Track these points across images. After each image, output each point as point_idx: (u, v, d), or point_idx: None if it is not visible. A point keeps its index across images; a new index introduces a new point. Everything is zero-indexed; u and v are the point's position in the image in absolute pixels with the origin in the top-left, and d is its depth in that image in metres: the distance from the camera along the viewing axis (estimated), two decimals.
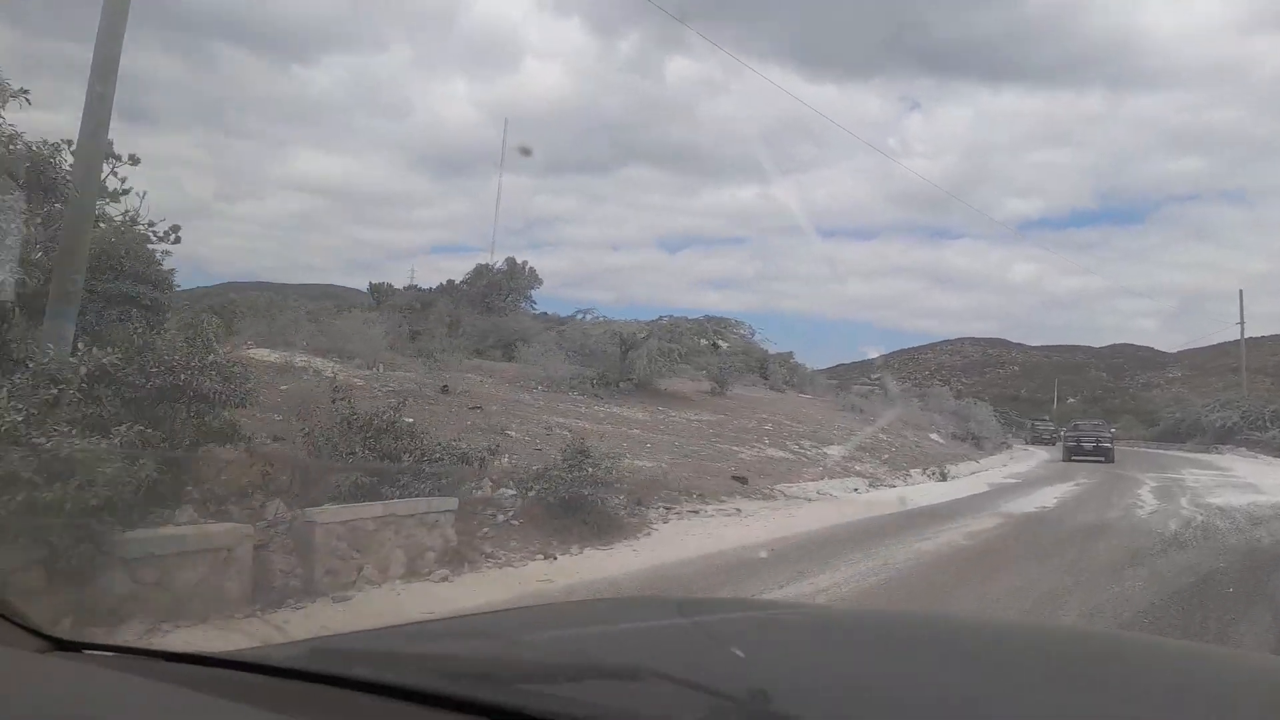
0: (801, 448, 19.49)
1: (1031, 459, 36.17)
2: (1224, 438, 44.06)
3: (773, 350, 39.34)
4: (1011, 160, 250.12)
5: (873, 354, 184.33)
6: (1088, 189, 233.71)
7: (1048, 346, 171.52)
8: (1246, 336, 49.73)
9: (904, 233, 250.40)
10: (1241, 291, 47.09)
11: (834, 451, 19.30)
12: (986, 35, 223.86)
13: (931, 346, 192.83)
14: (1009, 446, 39.14)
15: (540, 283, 38.62)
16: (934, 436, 30.00)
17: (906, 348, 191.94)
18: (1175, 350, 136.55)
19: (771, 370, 38.26)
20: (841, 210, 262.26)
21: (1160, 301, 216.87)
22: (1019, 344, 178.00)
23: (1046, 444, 48.16)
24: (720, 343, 25.64)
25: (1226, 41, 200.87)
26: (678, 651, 1.68)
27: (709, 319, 25.85)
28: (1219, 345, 77.40)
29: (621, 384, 21.93)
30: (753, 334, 29.21)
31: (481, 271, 37.64)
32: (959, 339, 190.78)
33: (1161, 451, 46.32)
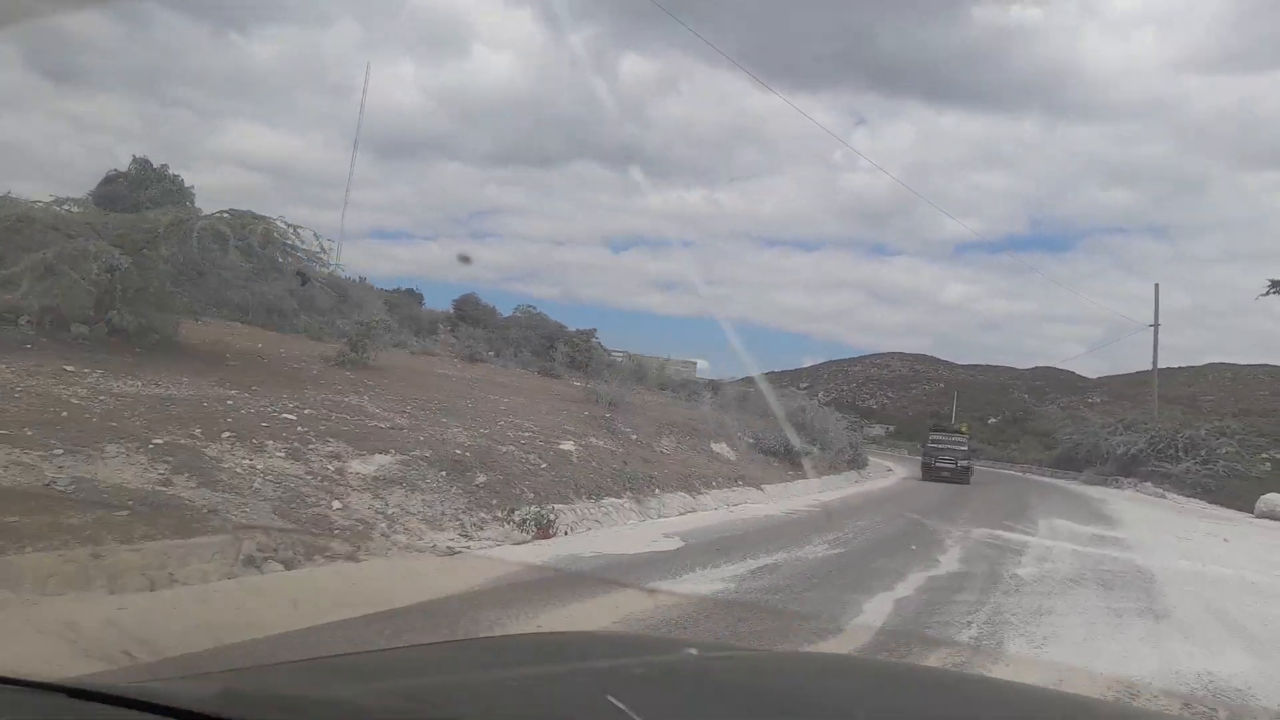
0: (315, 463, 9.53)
1: (866, 483, 26.65)
2: (1128, 468, 35.09)
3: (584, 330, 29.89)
4: (950, 180, 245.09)
5: (806, 363, 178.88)
6: (1021, 214, 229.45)
7: (974, 366, 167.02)
8: (1161, 367, 41.05)
9: (846, 246, 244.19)
10: (1157, 286, 38.25)
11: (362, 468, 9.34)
12: (933, 55, 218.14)
13: (860, 360, 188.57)
14: (861, 465, 29.57)
15: None
16: (721, 448, 20.23)
17: (837, 359, 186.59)
18: (1096, 377, 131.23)
19: (558, 349, 28.46)
20: (787, 220, 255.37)
21: (1085, 328, 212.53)
22: (946, 361, 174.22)
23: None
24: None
25: (1159, 79, 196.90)
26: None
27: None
28: (1138, 374, 71.31)
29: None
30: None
31: None
32: (888, 354, 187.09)
33: (1049, 480, 37.20)
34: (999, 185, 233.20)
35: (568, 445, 14.05)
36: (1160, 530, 17.42)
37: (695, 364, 79.98)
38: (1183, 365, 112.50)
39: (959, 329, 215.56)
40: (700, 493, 15.47)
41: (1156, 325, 38.46)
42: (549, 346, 29.12)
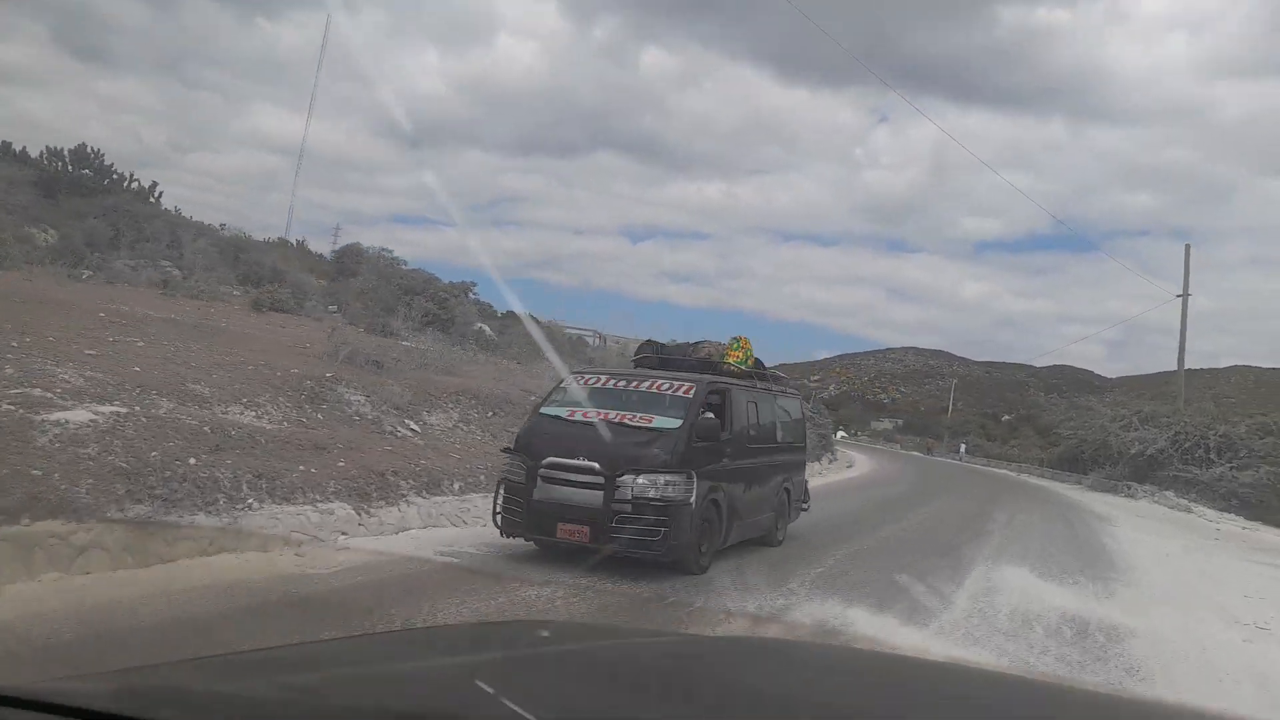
0: None
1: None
2: (1144, 471, 27.64)
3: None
4: (973, 179, 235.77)
5: (819, 356, 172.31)
6: (1044, 214, 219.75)
7: (990, 363, 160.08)
8: (1186, 368, 33.36)
9: (864, 242, 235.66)
10: (1188, 248, 29.74)
11: None
12: (959, 54, 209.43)
13: (874, 353, 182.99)
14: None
15: None
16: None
17: (850, 353, 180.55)
18: (1115, 376, 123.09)
19: (415, 305, 21.68)
20: (805, 215, 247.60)
21: (1104, 329, 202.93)
22: (961, 358, 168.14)
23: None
24: None
25: (1187, 84, 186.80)
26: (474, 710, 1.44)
27: None
28: (1159, 374, 63.69)
29: None
30: None
31: None
32: (902, 348, 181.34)
33: (1043, 484, 29.81)
34: (1023, 185, 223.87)
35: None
36: (1197, 598, 9.40)
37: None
38: (1205, 367, 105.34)
39: (975, 327, 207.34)
40: (393, 502, 8.57)
41: (1186, 295, 30.81)
42: (404, 301, 22.27)
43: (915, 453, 57.36)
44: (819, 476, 24.15)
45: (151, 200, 31.15)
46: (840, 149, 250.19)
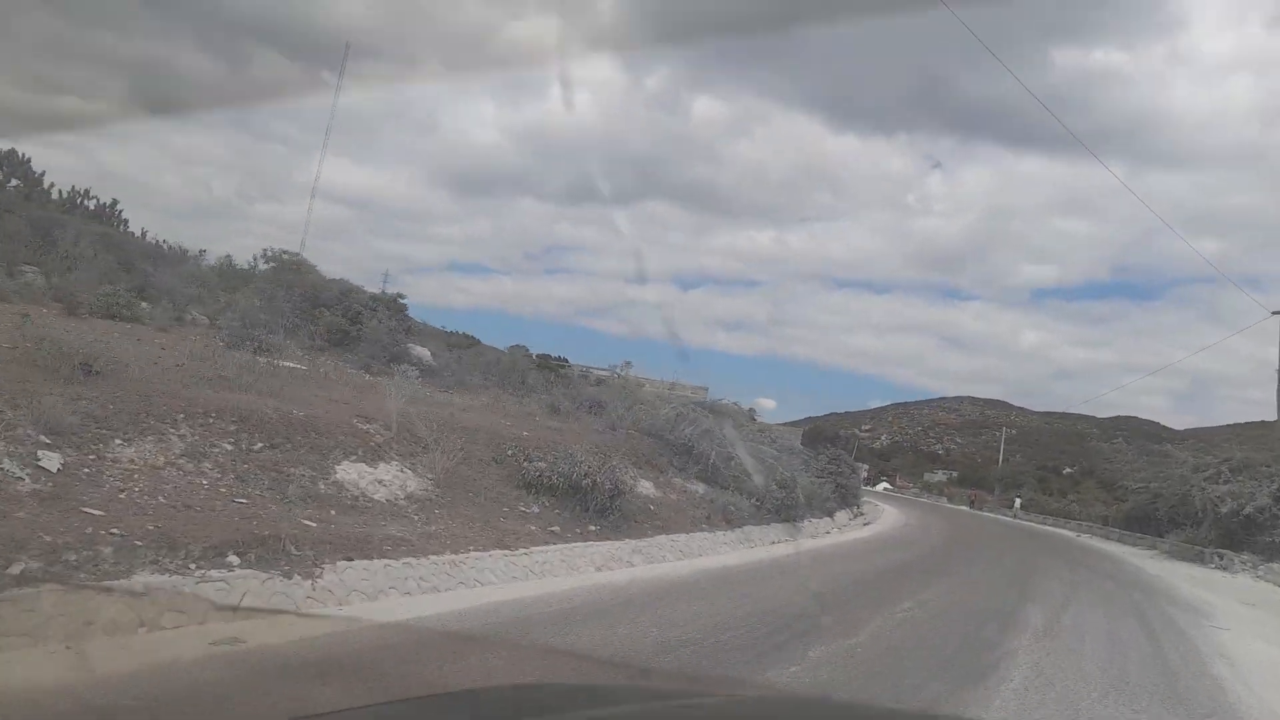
0: None
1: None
2: (1236, 536, 21.62)
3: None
4: (1029, 226, 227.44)
5: (872, 405, 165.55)
6: (1103, 262, 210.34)
7: (1049, 414, 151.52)
8: (1254, 420, 27.23)
9: (918, 290, 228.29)
10: None
11: None
12: (1012, 99, 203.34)
13: (929, 402, 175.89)
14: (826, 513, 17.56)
15: None
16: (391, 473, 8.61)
17: (904, 401, 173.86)
18: (1183, 428, 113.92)
19: (322, 317, 17.44)
20: (857, 262, 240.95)
21: (1169, 380, 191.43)
22: (1019, 407, 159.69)
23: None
24: None
25: (1248, 128, 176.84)
26: None
27: None
28: (1232, 425, 56.49)
29: None
30: None
31: None
32: (958, 397, 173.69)
33: (1107, 548, 23.90)
34: (1081, 231, 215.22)
35: None
36: None
37: (705, 390, 66.88)
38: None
39: (1033, 376, 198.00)
40: None
41: None
42: (310, 315, 17.91)
43: (963, 506, 51.10)
44: (823, 537, 18.99)
45: (114, 225, 27.77)
46: (892, 196, 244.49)
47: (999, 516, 45.09)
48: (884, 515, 29.09)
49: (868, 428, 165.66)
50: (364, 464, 9.85)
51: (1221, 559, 20.57)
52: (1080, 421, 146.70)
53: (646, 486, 14.73)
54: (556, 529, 10.93)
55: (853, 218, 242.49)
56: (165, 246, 23.58)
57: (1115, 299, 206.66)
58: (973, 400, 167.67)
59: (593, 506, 11.79)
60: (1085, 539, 30.19)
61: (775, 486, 18.14)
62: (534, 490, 11.75)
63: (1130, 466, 31.24)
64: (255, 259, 21.54)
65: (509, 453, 12.59)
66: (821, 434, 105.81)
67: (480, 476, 11.47)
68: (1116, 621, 9.49)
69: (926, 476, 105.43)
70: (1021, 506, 46.65)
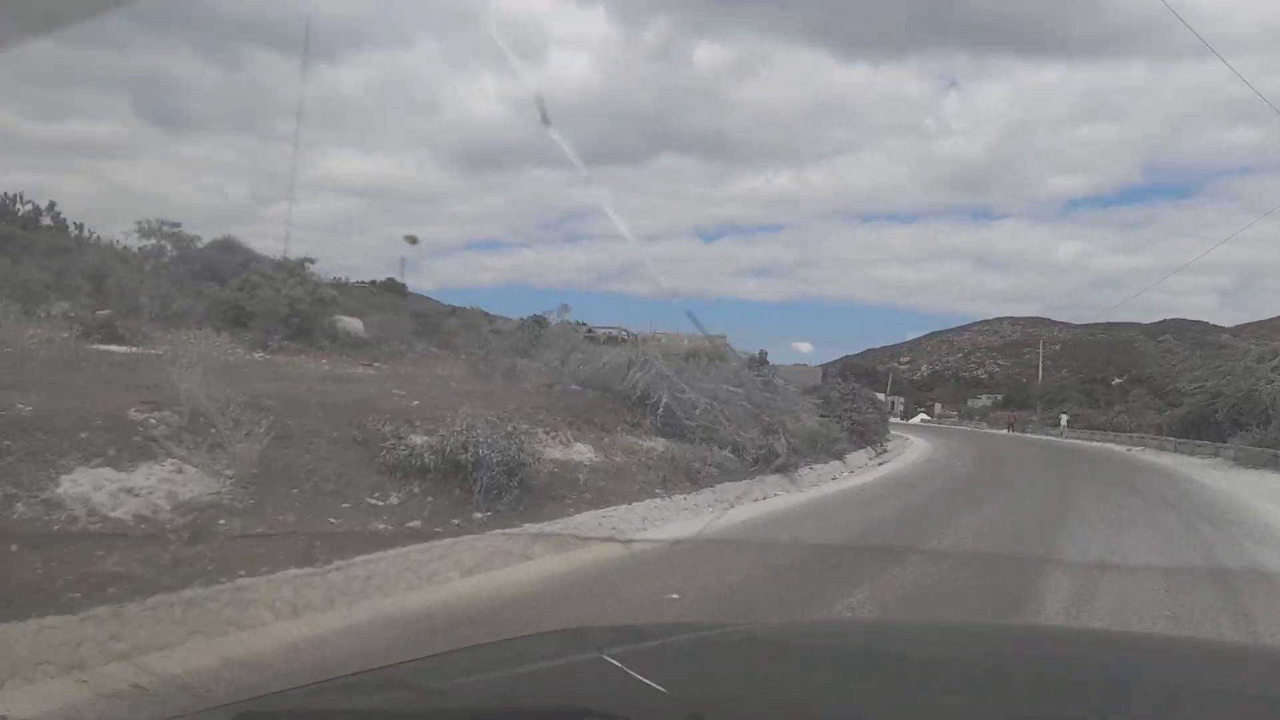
0: None
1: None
2: None
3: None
4: (1054, 137, 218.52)
5: (910, 336, 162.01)
6: (1135, 164, 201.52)
7: (1092, 325, 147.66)
8: None
9: (945, 215, 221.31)
10: None
11: None
12: (1022, 6, 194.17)
13: (967, 328, 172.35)
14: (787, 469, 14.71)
15: None
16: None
17: (942, 329, 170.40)
18: (1233, 325, 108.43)
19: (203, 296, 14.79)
20: (879, 194, 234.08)
21: (1214, 278, 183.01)
22: (1061, 322, 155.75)
23: None
24: None
25: (1274, 4, 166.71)
26: (604, 689, 1.40)
27: None
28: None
29: None
30: None
31: None
32: (997, 319, 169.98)
33: (1161, 462, 20.51)
34: (1108, 136, 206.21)
35: None
36: None
37: (724, 338, 64.37)
38: None
39: (1073, 289, 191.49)
40: None
41: None
42: (194, 291, 15.30)
43: (1003, 430, 47.64)
44: (825, 484, 16.12)
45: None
46: (910, 121, 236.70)
47: (1042, 437, 41.60)
48: (909, 450, 26.12)
49: (906, 360, 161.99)
50: (112, 468, 7.13)
51: None
52: (1126, 330, 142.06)
53: (580, 451, 11.95)
54: (418, 523, 8.19)
55: (871, 149, 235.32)
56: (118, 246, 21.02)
57: (1151, 201, 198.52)
58: (1012, 320, 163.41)
59: (481, 487, 9.00)
60: (1137, 453, 26.72)
61: (760, 434, 15.34)
62: (402, 474, 8.99)
63: (1183, 366, 27.39)
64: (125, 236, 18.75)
65: (386, 429, 9.83)
66: (853, 370, 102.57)
67: (321, 464, 8.69)
68: (1184, 595, 6.23)
69: (970, 403, 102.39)
70: (1068, 424, 42.94)
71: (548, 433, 11.96)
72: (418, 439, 9.56)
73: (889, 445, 27.70)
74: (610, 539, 9.42)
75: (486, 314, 25.11)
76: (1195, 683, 1.54)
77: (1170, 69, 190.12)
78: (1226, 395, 22.18)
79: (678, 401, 13.81)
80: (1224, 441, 22.24)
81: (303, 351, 15.52)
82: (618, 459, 12.34)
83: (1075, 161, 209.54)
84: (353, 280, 38.41)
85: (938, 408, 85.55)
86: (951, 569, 6.87)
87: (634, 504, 10.96)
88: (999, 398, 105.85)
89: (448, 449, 9.05)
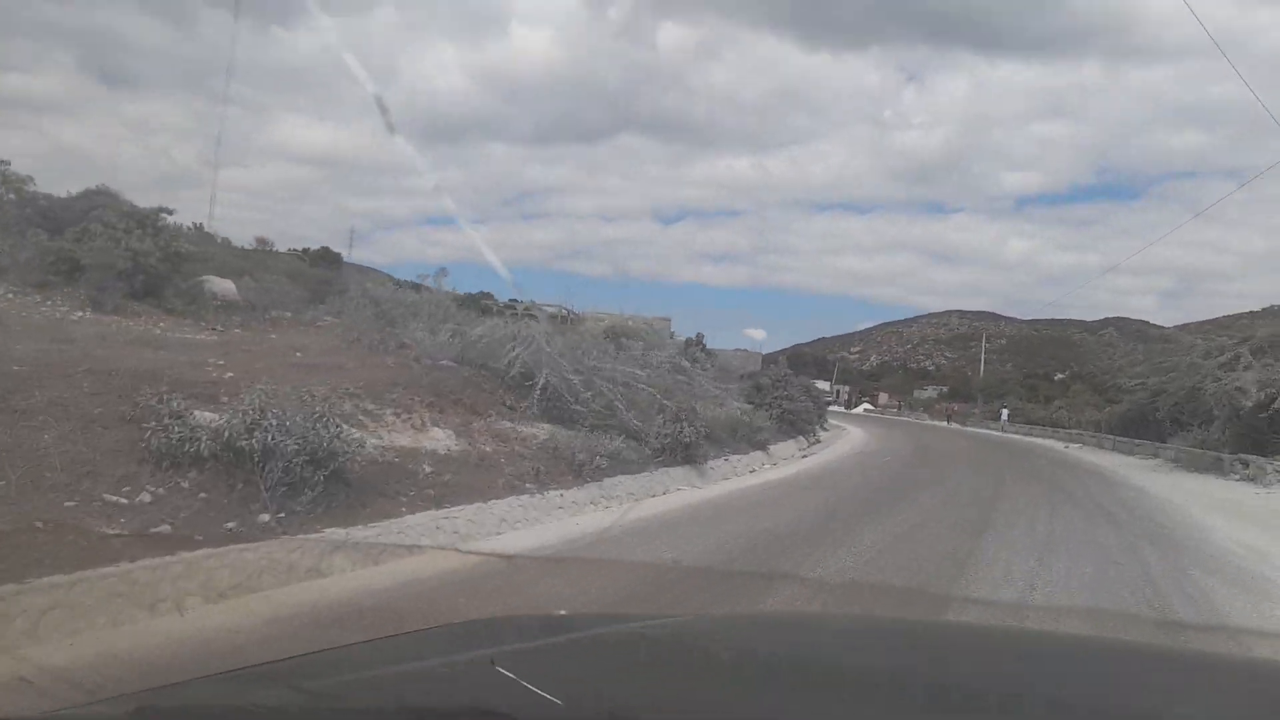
0: None
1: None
2: (1262, 437, 16.92)
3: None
4: (1009, 133, 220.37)
5: (863, 326, 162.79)
6: (1086, 164, 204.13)
7: (1038, 320, 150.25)
8: (1233, 313, 22.19)
9: (901, 208, 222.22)
10: None
11: None
12: (984, 2, 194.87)
13: (917, 320, 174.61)
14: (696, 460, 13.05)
15: None
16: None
17: (893, 320, 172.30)
18: (1173, 325, 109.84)
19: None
20: (837, 184, 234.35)
21: (1156, 279, 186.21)
22: (1009, 317, 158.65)
23: None
24: None
25: (1226, 13, 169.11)
26: (499, 696, 1.32)
27: None
28: (1220, 319, 52.50)
29: None
30: None
31: None
32: (946, 312, 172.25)
33: (1099, 462, 19.24)
34: (1061, 135, 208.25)
35: None
36: None
37: (668, 321, 63.07)
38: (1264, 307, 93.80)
39: (1022, 285, 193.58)
40: None
41: None
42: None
43: (942, 422, 46.73)
44: (737, 478, 14.55)
45: None
46: (869, 112, 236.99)
47: (981, 430, 40.65)
48: (841, 442, 24.75)
49: (857, 349, 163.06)
50: None
51: (1246, 467, 15.96)
52: (1070, 326, 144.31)
53: (436, 438, 10.15)
54: (168, 528, 6.38)
55: (831, 138, 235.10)
56: None
57: (1099, 201, 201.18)
58: (961, 314, 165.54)
59: (272, 481, 7.15)
60: (1075, 451, 25.59)
61: (667, 421, 13.71)
62: (172, 464, 7.09)
63: (1124, 361, 26.29)
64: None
65: (165, 406, 7.88)
66: (802, 359, 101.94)
67: (62, 447, 6.78)
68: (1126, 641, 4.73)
69: (916, 393, 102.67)
70: (1009, 418, 42.02)
71: (398, 415, 10.14)
72: (207, 418, 7.66)
73: (822, 436, 26.33)
74: (442, 548, 7.69)
75: (399, 282, 23.12)
76: (1087, 685, 1.52)
77: (1122, 70, 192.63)
78: (1169, 393, 21.00)
79: (566, 383, 12.05)
80: (1164, 441, 21.11)
81: (146, 313, 13.46)
82: (485, 447, 10.56)
83: (1028, 159, 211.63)
84: (282, 248, 36.09)
85: (882, 398, 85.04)
86: (830, 605, 5.23)
87: (492, 502, 9.23)
88: (944, 389, 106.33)
89: (229, 433, 7.18)
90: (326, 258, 61.16)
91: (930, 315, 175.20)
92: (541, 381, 10.71)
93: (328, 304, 18.41)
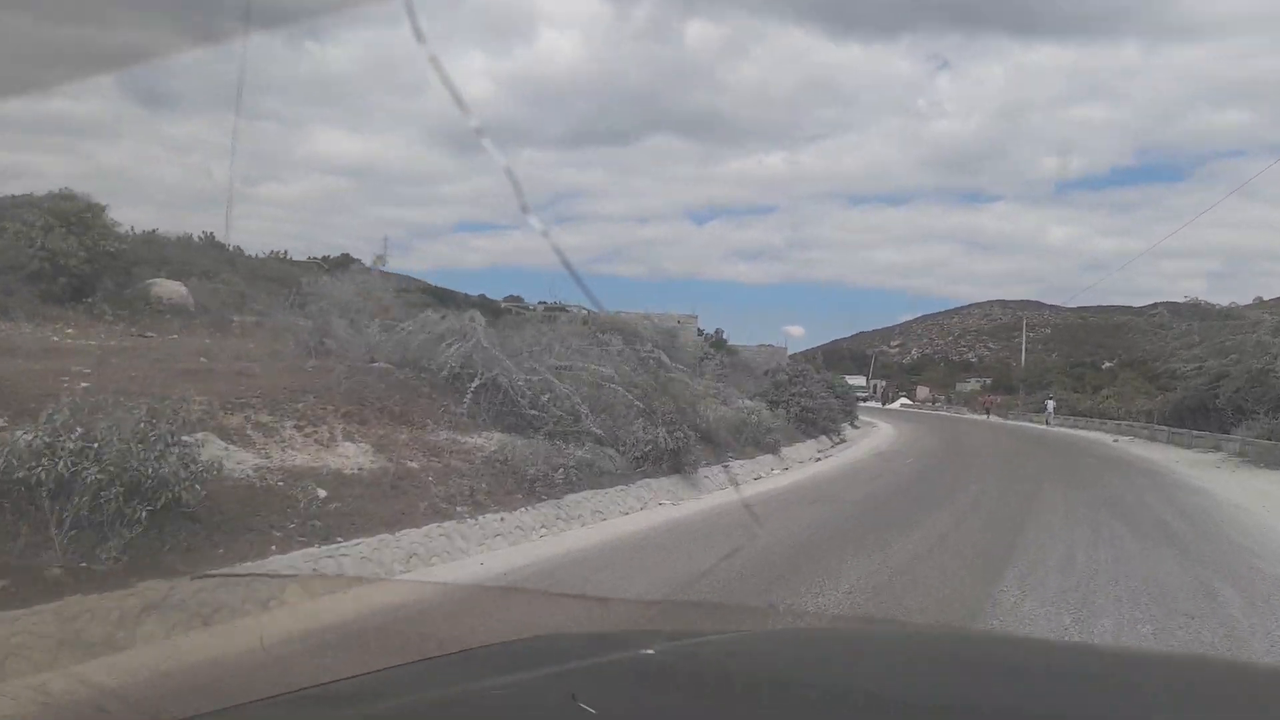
0: None
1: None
2: None
3: None
4: (1047, 118, 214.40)
5: (902, 320, 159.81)
6: (1127, 146, 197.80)
7: (1084, 308, 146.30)
8: None
9: (937, 197, 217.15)
10: None
11: None
12: None
13: (958, 311, 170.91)
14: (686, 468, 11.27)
15: None
16: None
17: (933, 313, 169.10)
18: (1227, 304, 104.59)
19: None
20: (871, 176, 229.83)
21: (1204, 262, 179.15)
22: (1053, 305, 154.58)
23: None
24: None
25: None
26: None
27: None
28: (1276, 299, 49.01)
29: None
30: None
31: None
32: (988, 302, 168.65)
33: (1151, 457, 17.01)
34: (1100, 117, 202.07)
35: None
36: None
37: (695, 319, 61.68)
38: None
39: (1065, 272, 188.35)
40: None
41: None
42: None
43: (980, 416, 44.15)
44: (730, 489, 12.83)
45: None
46: (902, 102, 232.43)
47: (1022, 424, 38.02)
48: (866, 441, 22.82)
49: (897, 343, 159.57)
50: None
51: None
52: (1117, 313, 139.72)
53: (346, 454, 8.51)
54: None
55: (863, 129, 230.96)
56: None
57: (1143, 184, 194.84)
58: (1003, 304, 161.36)
59: (73, 520, 5.56)
60: (1125, 445, 23.17)
61: (646, 426, 12.05)
62: None
63: (1179, 344, 23.67)
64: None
65: None
66: (840, 354, 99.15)
67: None
68: None
69: (959, 386, 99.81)
70: (1054, 410, 39.00)
71: (301, 428, 8.51)
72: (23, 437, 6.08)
73: (849, 434, 24.38)
74: (309, 598, 6.05)
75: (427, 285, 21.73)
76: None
77: (1161, 49, 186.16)
78: (1232, 376, 18.52)
79: (530, 385, 10.34)
80: (1226, 432, 18.71)
81: (66, 319, 12.05)
82: (411, 464, 8.89)
83: (1067, 143, 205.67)
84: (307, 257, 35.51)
85: (921, 392, 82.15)
86: None
87: (404, 533, 7.60)
88: (988, 381, 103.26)
89: (13, 459, 5.58)
90: (346, 264, 60.34)
91: (972, 305, 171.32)
92: (476, 384, 9.01)
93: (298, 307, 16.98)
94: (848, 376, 73.93)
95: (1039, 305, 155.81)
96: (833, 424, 23.34)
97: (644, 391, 12.72)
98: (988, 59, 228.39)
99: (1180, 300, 25.90)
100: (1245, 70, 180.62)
